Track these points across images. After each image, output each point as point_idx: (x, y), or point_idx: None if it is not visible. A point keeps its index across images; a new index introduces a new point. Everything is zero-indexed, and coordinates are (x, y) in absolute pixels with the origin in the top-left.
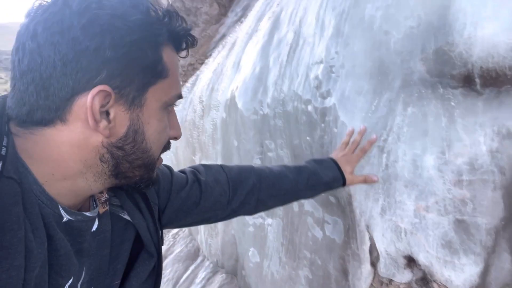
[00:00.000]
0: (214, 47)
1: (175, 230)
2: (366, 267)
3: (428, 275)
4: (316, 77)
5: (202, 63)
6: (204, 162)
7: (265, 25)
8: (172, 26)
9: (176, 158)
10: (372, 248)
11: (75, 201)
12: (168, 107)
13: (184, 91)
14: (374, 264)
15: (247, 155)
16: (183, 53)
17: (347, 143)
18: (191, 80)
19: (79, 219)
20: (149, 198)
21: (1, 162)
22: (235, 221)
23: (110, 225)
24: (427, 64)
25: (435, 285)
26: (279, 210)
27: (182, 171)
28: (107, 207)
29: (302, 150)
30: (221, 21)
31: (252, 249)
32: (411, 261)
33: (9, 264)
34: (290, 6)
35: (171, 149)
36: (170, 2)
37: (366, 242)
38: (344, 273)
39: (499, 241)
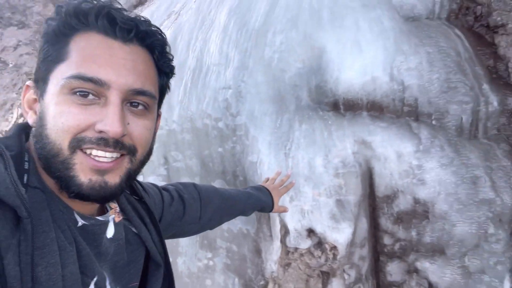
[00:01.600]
0: None
1: None
2: (277, 243)
3: (322, 239)
4: (226, 100)
5: None
6: None
7: None
8: (93, 10)
9: None
10: (281, 228)
11: (87, 206)
12: (74, 91)
13: None
14: (282, 240)
15: (150, 166)
16: (126, 37)
17: (274, 179)
18: None
19: (92, 223)
20: (152, 211)
21: (26, 175)
22: None
23: (124, 233)
24: (310, 94)
25: (326, 245)
26: None
27: (165, 188)
28: (121, 218)
29: (212, 159)
30: None
31: None
32: (310, 232)
33: (46, 262)
34: (185, 35)
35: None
36: None
37: (277, 224)
38: (258, 252)
39: (360, 211)
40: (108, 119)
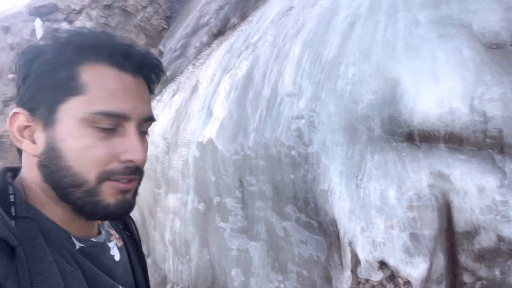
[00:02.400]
0: None
1: None
2: (347, 273)
3: (395, 273)
4: (298, 129)
5: None
6: (172, 195)
7: (234, 79)
8: (105, 43)
9: None
10: (352, 258)
11: (85, 230)
12: (96, 125)
13: None
14: (353, 270)
15: (227, 189)
16: (132, 72)
17: None
18: None
19: (89, 244)
20: (141, 250)
21: (13, 207)
22: (214, 247)
23: (126, 258)
24: (383, 125)
25: (400, 279)
26: (263, 234)
27: None
28: (122, 243)
29: (284, 185)
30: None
31: (235, 269)
32: (382, 264)
33: (48, 285)
34: (261, 66)
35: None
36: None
37: (348, 253)
38: (328, 279)
39: (436, 246)
40: (134, 149)
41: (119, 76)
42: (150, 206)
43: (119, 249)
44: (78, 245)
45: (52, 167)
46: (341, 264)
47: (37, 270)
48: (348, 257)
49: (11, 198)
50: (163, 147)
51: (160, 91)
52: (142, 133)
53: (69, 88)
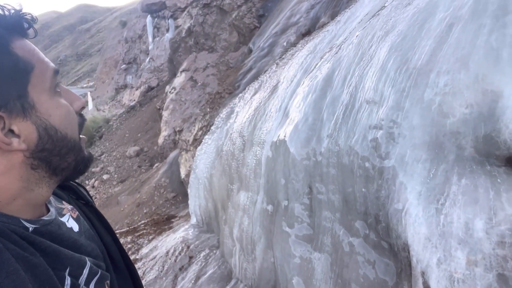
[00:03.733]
0: (242, 79)
1: (206, 251)
2: None
3: None
4: (375, 140)
5: (230, 93)
6: (243, 192)
7: (313, 81)
8: (5, 20)
9: (209, 184)
10: None
11: (35, 212)
12: (55, 89)
13: (218, 121)
14: None
15: (295, 193)
16: (31, 33)
17: None
18: (224, 111)
19: (41, 223)
20: (101, 214)
21: None
22: (278, 251)
23: (87, 226)
24: (476, 144)
25: None
26: (327, 246)
27: None
28: (77, 212)
29: (355, 198)
30: (240, 50)
31: (296, 278)
32: None
33: (4, 272)
34: (342, 70)
35: (204, 174)
36: (191, 28)
37: (420, 285)
38: None
39: None
40: (76, 98)
41: (27, 42)
42: (223, 200)
43: (76, 219)
44: (31, 226)
45: (49, 147)
46: None
47: None
48: None
49: None
50: (239, 144)
51: (244, 88)
52: None
53: (21, 69)
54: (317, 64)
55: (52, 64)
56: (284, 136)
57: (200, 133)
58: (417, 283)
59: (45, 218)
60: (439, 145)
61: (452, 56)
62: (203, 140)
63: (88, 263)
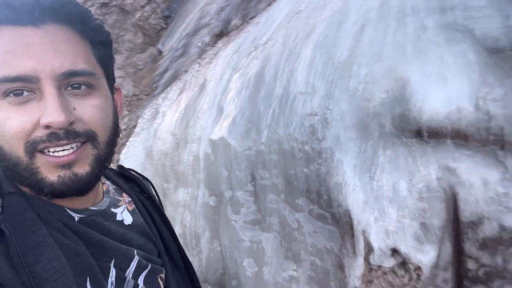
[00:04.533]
0: (159, 80)
1: None
2: (360, 260)
3: (406, 260)
4: (312, 125)
5: (147, 94)
6: (182, 189)
7: (245, 77)
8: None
9: None
10: (365, 246)
11: (83, 202)
12: (6, 93)
13: (142, 122)
14: (366, 257)
15: (239, 182)
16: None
17: None
18: (147, 112)
19: (87, 214)
20: (161, 209)
21: None
22: (226, 239)
23: (142, 219)
24: (393, 122)
25: (410, 266)
26: (275, 226)
27: None
28: (133, 206)
29: (297, 178)
30: (148, 51)
31: (247, 259)
32: (394, 252)
33: (46, 258)
34: (272, 66)
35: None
36: None
37: (361, 242)
38: (341, 267)
39: (444, 234)
40: (48, 110)
41: (14, 32)
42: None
43: (131, 212)
44: (76, 216)
45: None
46: (354, 252)
47: (31, 245)
48: (361, 246)
49: None
50: (172, 143)
51: (165, 88)
52: (74, 89)
53: None
54: (244, 63)
55: (10, 69)
56: (222, 131)
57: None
58: (358, 241)
59: (93, 208)
60: (365, 125)
61: (368, 52)
62: (127, 143)
63: (137, 256)
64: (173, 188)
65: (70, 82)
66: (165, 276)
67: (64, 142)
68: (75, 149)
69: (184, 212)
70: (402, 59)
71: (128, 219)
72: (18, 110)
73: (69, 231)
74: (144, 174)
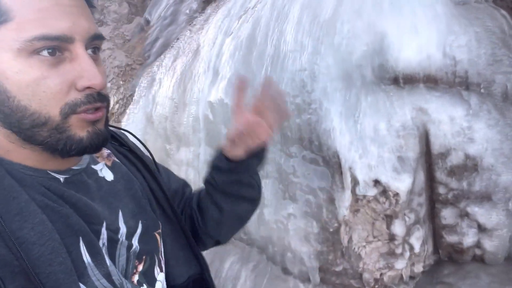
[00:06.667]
0: (150, 49)
1: None
2: (348, 193)
3: (386, 188)
4: (302, 80)
5: (141, 64)
6: (183, 148)
7: (237, 40)
8: None
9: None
10: (352, 180)
11: (64, 162)
12: (37, 51)
13: (140, 90)
14: (352, 190)
15: None
16: None
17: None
18: (144, 80)
19: (71, 173)
20: (142, 158)
21: None
22: None
23: (125, 171)
24: (374, 72)
25: (390, 193)
26: (273, 173)
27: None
28: (112, 159)
29: (290, 129)
30: (135, 21)
31: None
32: (376, 183)
33: (30, 223)
34: (263, 28)
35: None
36: None
37: (348, 177)
38: (332, 201)
39: (418, 165)
40: (89, 74)
41: None
42: (162, 161)
43: (111, 167)
44: (61, 177)
45: (6, 110)
46: (343, 187)
47: (13, 211)
48: (348, 180)
49: None
50: (171, 107)
51: (158, 56)
52: (93, 54)
53: None
54: (235, 26)
55: (49, 28)
56: (219, 92)
57: (117, 106)
58: (346, 176)
59: (75, 167)
60: (349, 76)
61: (350, 9)
62: (127, 111)
63: (122, 217)
64: (175, 149)
65: (92, 45)
66: (162, 230)
67: (98, 104)
68: (99, 108)
69: (187, 169)
70: (379, 14)
71: (108, 175)
72: (53, 70)
73: (53, 195)
74: (145, 138)
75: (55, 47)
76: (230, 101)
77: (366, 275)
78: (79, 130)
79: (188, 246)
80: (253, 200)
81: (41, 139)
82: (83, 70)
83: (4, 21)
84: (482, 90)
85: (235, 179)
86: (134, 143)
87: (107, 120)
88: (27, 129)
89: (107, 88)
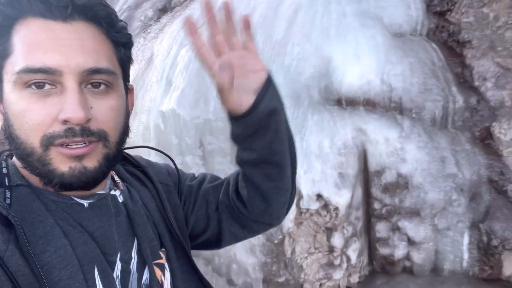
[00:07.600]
0: None
1: None
2: (292, 206)
3: (327, 202)
4: None
5: None
6: None
7: (191, 53)
8: None
9: None
10: (297, 195)
11: (83, 191)
12: (28, 84)
13: None
14: (297, 204)
15: (188, 148)
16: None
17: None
18: None
19: (96, 198)
20: (152, 178)
21: (6, 177)
22: None
23: (130, 196)
24: (320, 93)
25: (331, 207)
26: None
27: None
28: (123, 187)
29: None
30: None
31: None
32: (319, 197)
33: (53, 247)
34: None
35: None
36: None
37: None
38: None
39: (357, 181)
40: (68, 106)
41: (44, 25)
42: None
43: (124, 192)
44: (86, 202)
45: (9, 138)
46: None
47: (39, 234)
48: None
49: (4, 170)
50: None
51: None
52: (94, 88)
53: (5, 51)
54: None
55: (31, 60)
56: (172, 102)
57: None
58: None
59: (100, 192)
60: (297, 95)
61: (300, 33)
62: None
63: (135, 247)
64: None
65: (91, 80)
66: (167, 252)
67: (79, 139)
68: (87, 144)
69: None
70: (326, 40)
71: (125, 202)
72: (39, 102)
73: (74, 221)
74: None
75: (43, 81)
76: (182, 111)
77: (306, 286)
78: (61, 164)
79: (198, 279)
80: (284, 154)
81: (34, 169)
82: (65, 103)
83: (7, 54)
84: (413, 115)
85: (253, 130)
86: (147, 162)
87: (108, 160)
88: (22, 158)
89: (107, 122)
